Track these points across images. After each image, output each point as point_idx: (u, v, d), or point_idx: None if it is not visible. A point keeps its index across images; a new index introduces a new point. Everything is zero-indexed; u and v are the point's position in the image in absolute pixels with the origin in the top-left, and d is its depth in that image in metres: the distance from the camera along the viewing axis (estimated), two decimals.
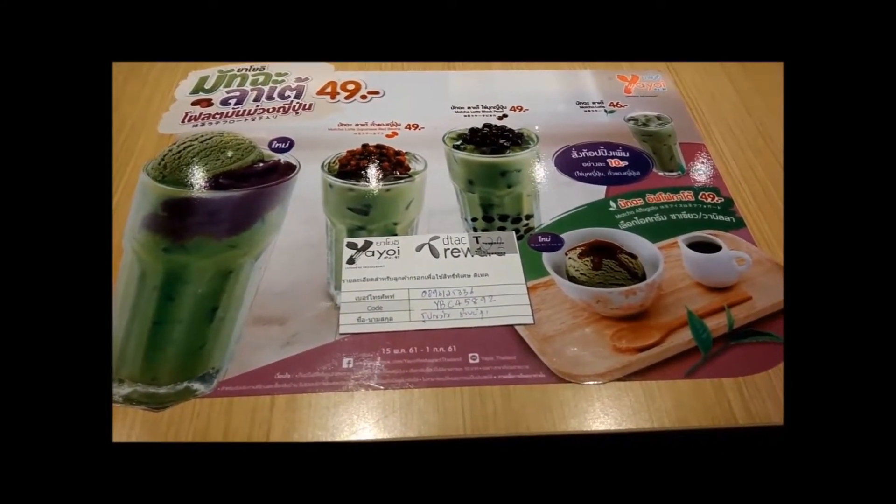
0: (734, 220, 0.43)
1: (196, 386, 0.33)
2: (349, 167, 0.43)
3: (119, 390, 0.33)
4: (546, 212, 0.43)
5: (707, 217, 0.43)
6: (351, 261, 0.39)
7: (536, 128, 0.49)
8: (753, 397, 0.33)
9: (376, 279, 0.38)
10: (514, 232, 0.41)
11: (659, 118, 0.51)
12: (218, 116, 0.49)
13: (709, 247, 0.40)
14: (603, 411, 0.33)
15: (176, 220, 0.38)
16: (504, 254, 0.40)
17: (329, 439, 0.31)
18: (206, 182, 0.40)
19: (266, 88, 0.52)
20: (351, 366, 0.34)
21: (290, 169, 0.42)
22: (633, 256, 0.39)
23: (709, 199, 0.44)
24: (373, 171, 0.43)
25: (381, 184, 0.42)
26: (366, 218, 0.41)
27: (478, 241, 0.40)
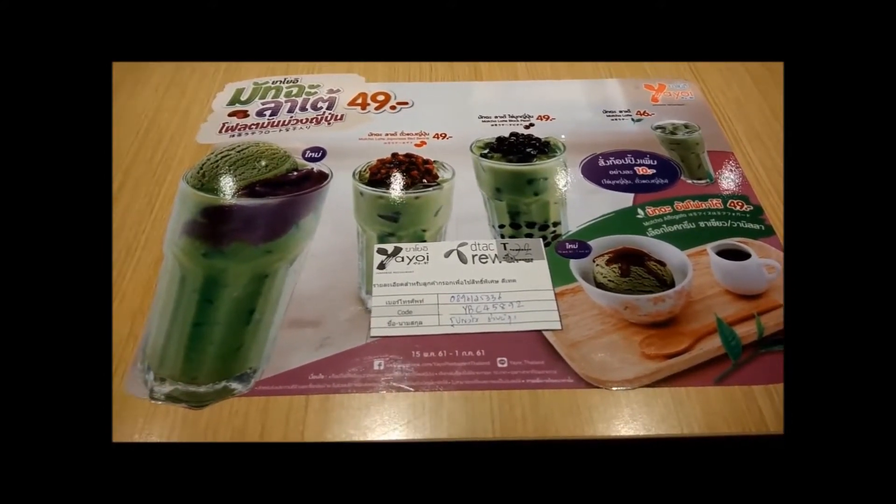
0: (763, 228, 0.43)
1: (234, 385, 0.34)
2: (379, 175, 0.44)
3: (161, 388, 0.34)
4: (573, 219, 0.43)
5: (736, 225, 0.43)
6: (381, 266, 0.40)
7: (563, 136, 0.49)
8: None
9: (406, 284, 0.39)
10: (541, 239, 0.42)
11: (687, 126, 0.51)
12: (253, 127, 0.51)
13: (738, 254, 0.40)
14: (632, 417, 0.33)
15: (215, 227, 0.40)
16: (531, 260, 0.40)
17: (361, 439, 0.32)
18: (243, 190, 0.41)
19: (299, 100, 0.53)
20: (382, 368, 0.35)
21: (322, 177, 0.44)
22: (662, 264, 0.39)
23: (738, 207, 0.44)
24: (402, 180, 0.44)
25: (410, 192, 0.43)
26: (395, 225, 0.42)
27: (505, 248, 0.41)
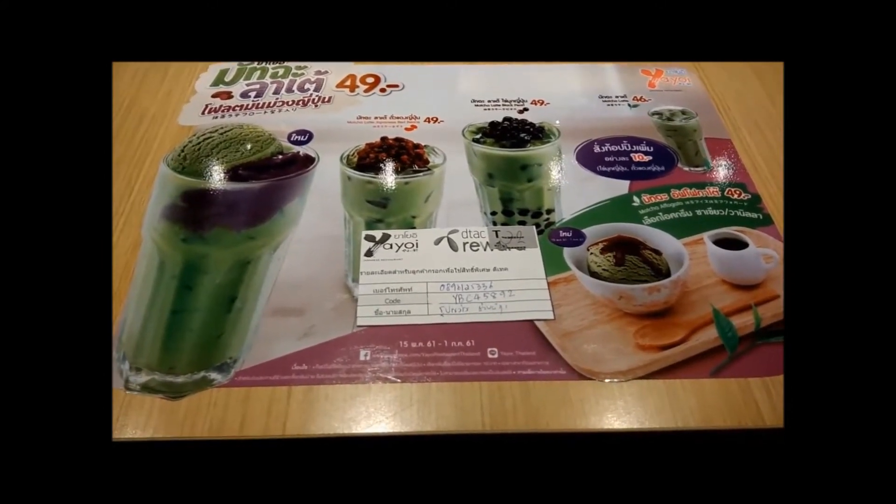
0: (761, 217, 0.42)
1: (213, 375, 0.33)
2: (368, 160, 0.43)
3: (137, 379, 0.33)
4: (567, 206, 0.42)
5: (733, 213, 0.42)
6: (369, 253, 0.38)
7: (558, 122, 0.48)
8: (782, 397, 0.32)
9: (394, 272, 0.37)
10: (534, 226, 0.41)
11: (684, 113, 0.49)
12: (238, 109, 0.49)
13: (735, 244, 0.39)
14: (625, 409, 0.32)
15: (195, 211, 0.38)
16: (524, 248, 0.39)
17: (346, 432, 0.31)
18: (226, 173, 0.40)
19: (286, 81, 0.52)
20: (368, 358, 0.33)
21: (308, 161, 0.42)
22: (658, 252, 0.38)
23: (735, 196, 0.43)
24: (392, 164, 0.43)
25: (399, 177, 0.42)
26: (384, 211, 0.41)
27: (497, 235, 0.40)
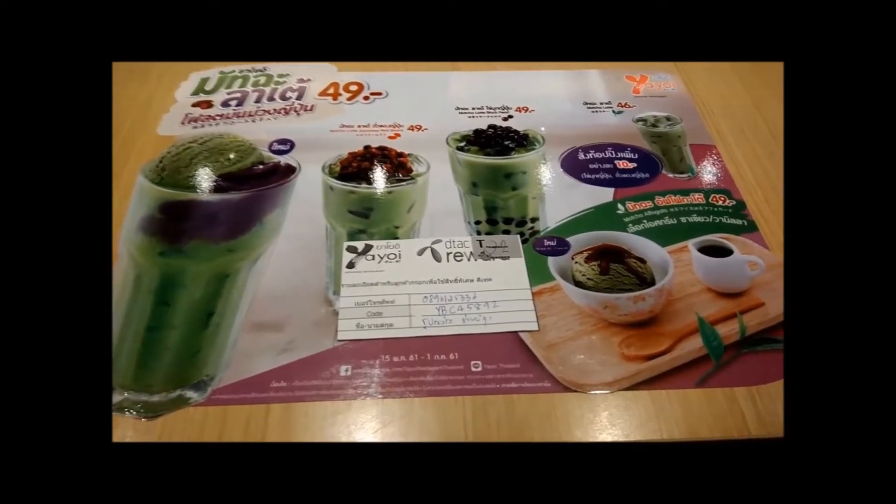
0: (746, 224, 0.41)
1: (190, 394, 0.32)
2: (350, 169, 0.42)
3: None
4: (552, 215, 0.42)
5: (718, 220, 0.42)
6: (351, 265, 0.38)
7: (542, 129, 0.48)
8: (767, 407, 0.32)
9: (376, 284, 0.37)
10: (518, 235, 0.40)
11: (668, 119, 0.49)
12: (218, 118, 0.48)
13: (720, 251, 0.39)
14: (610, 421, 0.31)
15: (173, 224, 0.37)
16: (508, 258, 0.39)
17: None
18: (205, 184, 0.39)
19: (267, 90, 0.51)
20: (349, 374, 0.33)
21: (290, 171, 0.41)
22: (642, 261, 0.38)
23: (720, 202, 0.43)
24: (374, 174, 0.42)
25: (382, 186, 0.41)
26: (366, 221, 0.40)
27: (481, 245, 0.39)
